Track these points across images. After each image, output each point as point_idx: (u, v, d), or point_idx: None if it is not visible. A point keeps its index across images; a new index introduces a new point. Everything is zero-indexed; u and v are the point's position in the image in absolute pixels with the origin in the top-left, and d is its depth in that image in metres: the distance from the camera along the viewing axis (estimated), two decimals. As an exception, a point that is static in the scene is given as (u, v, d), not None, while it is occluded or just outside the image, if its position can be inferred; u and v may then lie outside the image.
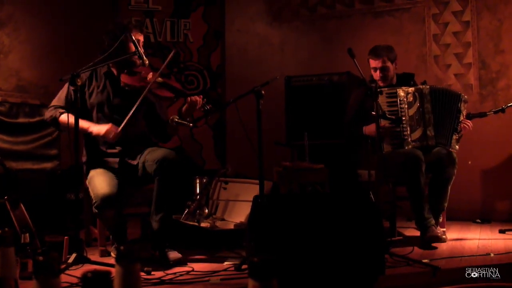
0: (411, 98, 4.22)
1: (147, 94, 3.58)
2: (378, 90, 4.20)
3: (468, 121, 4.33)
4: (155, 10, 6.20)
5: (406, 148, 4.19)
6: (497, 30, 5.56)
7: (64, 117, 3.60)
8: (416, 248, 3.81)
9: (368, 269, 2.86)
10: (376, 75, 4.40)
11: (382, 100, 4.21)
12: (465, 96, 4.39)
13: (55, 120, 3.66)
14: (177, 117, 3.64)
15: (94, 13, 5.86)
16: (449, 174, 4.13)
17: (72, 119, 3.50)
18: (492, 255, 3.51)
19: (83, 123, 3.55)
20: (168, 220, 3.57)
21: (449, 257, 3.48)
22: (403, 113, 4.21)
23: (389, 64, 4.37)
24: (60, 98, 3.72)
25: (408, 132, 4.21)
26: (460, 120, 4.30)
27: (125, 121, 3.49)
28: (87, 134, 3.66)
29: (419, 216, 4.05)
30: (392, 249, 3.54)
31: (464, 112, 4.35)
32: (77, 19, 5.77)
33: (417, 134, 4.21)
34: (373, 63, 4.40)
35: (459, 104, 4.31)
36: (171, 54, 3.74)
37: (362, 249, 2.86)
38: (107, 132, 3.51)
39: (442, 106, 4.27)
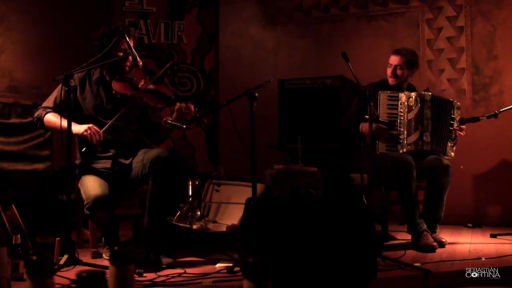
0: (412, 103, 4.22)
1: (138, 100, 3.60)
2: (381, 92, 4.22)
3: (462, 126, 4.34)
4: (149, 11, 6.19)
5: (400, 151, 4.20)
6: (491, 35, 5.58)
7: (49, 116, 3.61)
8: (408, 252, 3.82)
9: (360, 272, 2.86)
10: (389, 70, 4.37)
11: (383, 101, 4.23)
12: (458, 103, 4.41)
13: (39, 119, 3.65)
14: (170, 119, 3.65)
15: (88, 14, 5.84)
16: (444, 183, 4.14)
17: (56, 118, 3.51)
18: (483, 259, 3.52)
19: (64, 123, 3.47)
20: (162, 220, 3.55)
21: (440, 261, 3.50)
22: (401, 117, 4.22)
23: (404, 66, 4.34)
24: (49, 100, 3.72)
25: (405, 136, 4.22)
26: (454, 127, 4.31)
27: (107, 125, 3.52)
28: (81, 137, 3.60)
29: (411, 221, 4.05)
30: (384, 252, 3.54)
31: (457, 118, 4.36)
32: (71, 20, 5.75)
33: (413, 138, 4.21)
34: (391, 59, 4.37)
35: (452, 111, 4.33)
36: (166, 66, 3.81)
37: (354, 253, 2.86)
38: (86, 131, 3.47)
39: (440, 114, 4.28)
